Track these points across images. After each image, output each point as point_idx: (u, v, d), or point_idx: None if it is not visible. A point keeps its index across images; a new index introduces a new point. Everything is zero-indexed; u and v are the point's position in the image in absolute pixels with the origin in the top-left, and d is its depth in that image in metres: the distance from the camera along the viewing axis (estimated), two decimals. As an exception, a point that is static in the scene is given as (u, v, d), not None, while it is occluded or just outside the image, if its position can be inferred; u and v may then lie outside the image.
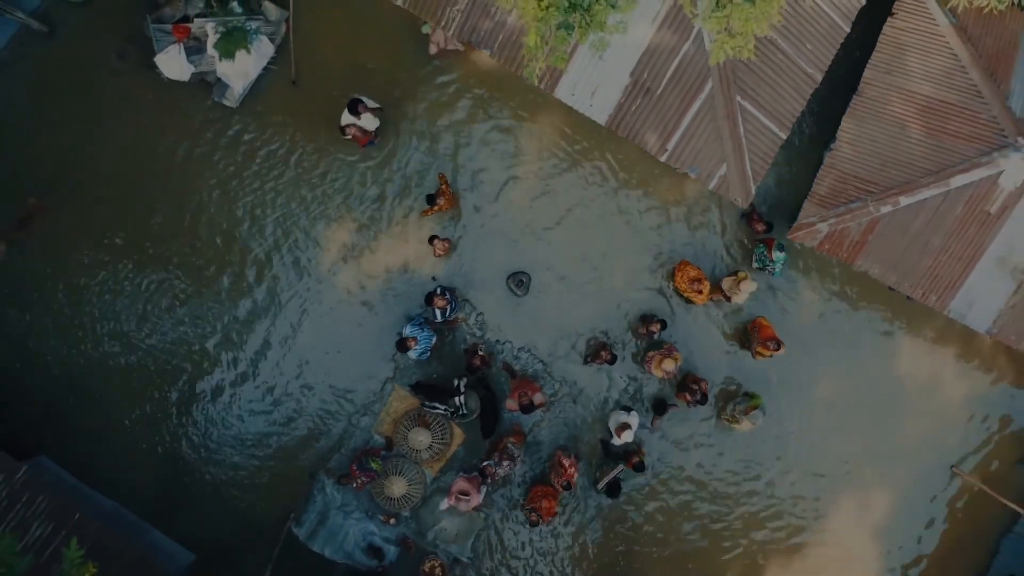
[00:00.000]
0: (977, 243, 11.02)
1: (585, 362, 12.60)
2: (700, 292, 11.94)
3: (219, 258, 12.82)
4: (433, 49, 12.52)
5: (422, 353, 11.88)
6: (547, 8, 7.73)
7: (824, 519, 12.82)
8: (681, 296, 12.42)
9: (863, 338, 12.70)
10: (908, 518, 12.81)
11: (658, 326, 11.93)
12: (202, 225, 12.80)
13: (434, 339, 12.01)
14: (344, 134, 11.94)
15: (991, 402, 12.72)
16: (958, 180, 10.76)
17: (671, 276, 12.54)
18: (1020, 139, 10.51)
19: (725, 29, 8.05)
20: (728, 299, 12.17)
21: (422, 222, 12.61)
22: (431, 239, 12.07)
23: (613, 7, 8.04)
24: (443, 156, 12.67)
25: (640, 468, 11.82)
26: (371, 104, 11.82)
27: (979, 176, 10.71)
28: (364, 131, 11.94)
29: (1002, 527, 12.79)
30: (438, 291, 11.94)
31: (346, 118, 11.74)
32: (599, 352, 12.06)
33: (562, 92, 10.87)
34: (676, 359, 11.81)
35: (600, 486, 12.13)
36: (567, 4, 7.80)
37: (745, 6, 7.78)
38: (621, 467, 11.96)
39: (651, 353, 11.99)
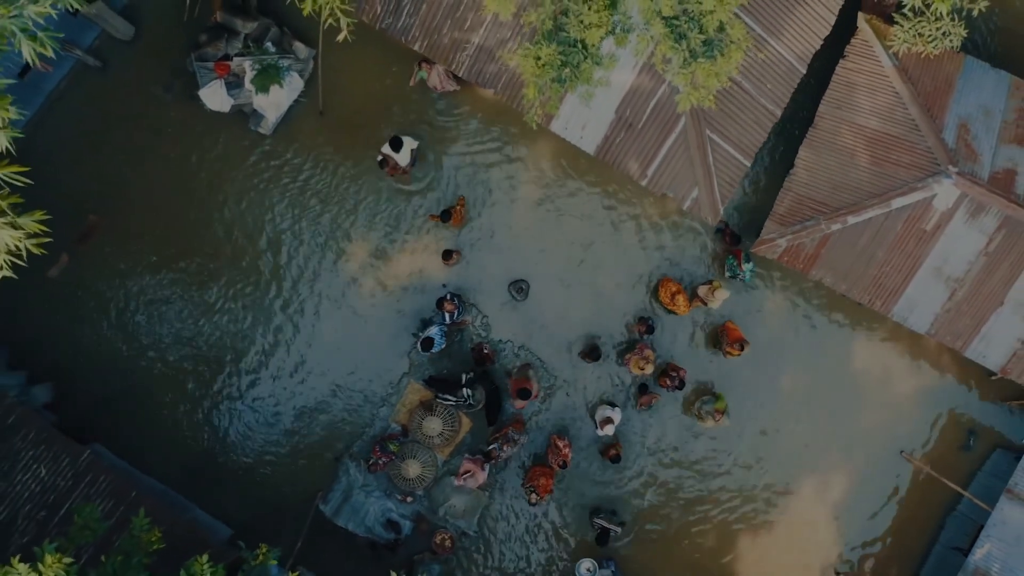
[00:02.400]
0: (915, 256, 12.22)
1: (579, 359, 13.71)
2: (677, 305, 13.14)
3: (254, 265, 13.87)
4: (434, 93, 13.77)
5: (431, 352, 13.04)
6: (543, 66, 9.15)
7: (789, 500, 13.81)
8: (663, 307, 13.52)
9: (822, 338, 13.78)
10: (864, 498, 13.80)
11: (644, 327, 13.16)
12: (239, 237, 13.87)
13: (444, 343, 13.20)
14: (383, 165, 13.11)
15: (937, 394, 13.77)
16: (898, 202, 12.00)
17: (655, 290, 13.66)
18: (951, 167, 11.78)
19: (691, 82, 9.49)
20: (705, 304, 13.34)
21: (434, 234, 13.67)
22: (444, 253, 13.26)
23: (598, 64, 9.46)
24: (456, 178, 13.77)
25: (616, 460, 13.01)
26: (412, 143, 12.93)
27: (916, 199, 11.95)
28: (396, 165, 13.09)
29: (947, 506, 13.79)
30: (448, 296, 13.09)
31: (385, 149, 12.93)
32: (586, 352, 13.29)
33: (556, 127, 12.13)
34: (649, 359, 12.97)
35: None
36: (559, 62, 9.15)
37: (706, 64, 9.23)
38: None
39: (628, 355, 13.20)
